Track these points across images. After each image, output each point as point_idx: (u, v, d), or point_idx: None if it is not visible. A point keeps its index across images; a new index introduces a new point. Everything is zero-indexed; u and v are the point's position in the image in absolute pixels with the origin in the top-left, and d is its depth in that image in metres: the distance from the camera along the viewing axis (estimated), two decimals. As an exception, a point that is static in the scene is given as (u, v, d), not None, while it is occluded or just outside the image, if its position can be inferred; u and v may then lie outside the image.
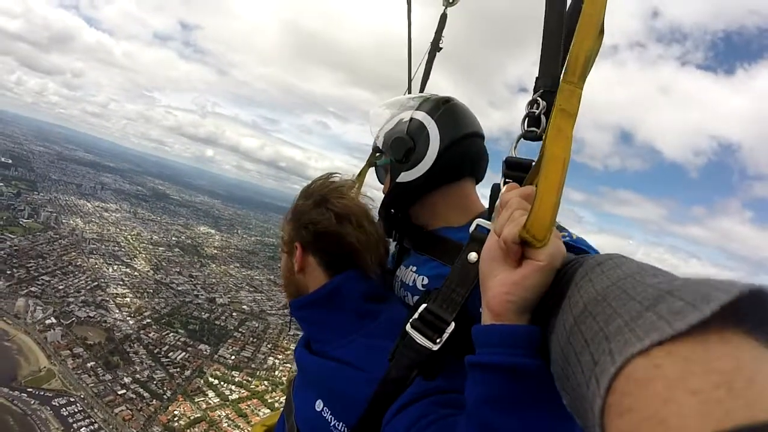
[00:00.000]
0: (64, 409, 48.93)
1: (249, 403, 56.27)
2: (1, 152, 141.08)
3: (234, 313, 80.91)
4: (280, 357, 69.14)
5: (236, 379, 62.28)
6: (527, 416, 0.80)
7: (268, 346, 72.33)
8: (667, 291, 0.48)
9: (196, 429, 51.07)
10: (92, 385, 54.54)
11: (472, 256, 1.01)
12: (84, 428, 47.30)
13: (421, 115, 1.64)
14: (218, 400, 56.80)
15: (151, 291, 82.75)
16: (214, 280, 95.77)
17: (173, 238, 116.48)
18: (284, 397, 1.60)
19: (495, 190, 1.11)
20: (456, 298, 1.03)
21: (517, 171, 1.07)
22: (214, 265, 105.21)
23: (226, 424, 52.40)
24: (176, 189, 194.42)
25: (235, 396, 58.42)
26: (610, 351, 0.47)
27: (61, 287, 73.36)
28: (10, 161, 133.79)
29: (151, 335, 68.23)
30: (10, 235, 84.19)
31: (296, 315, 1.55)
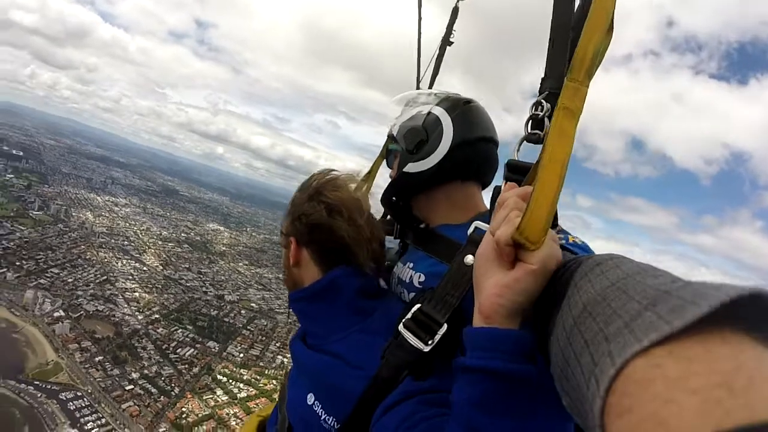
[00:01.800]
0: (71, 403, 48.41)
1: (257, 401, 55.31)
2: (13, 145, 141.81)
3: (243, 311, 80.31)
4: (288, 356, 65.68)
5: (245, 377, 61.68)
6: (514, 419, 0.80)
7: (277, 344, 71.47)
8: (666, 291, 0.48)
9: (204, 426, 50.44)
10: (100, 379, 54.08)
11: (469, 258, 1.00)
12: (91, 423, 46.72)
13: (439, 111, 1.67)
14: (227, 397, 56.19)
15: (160, 286, 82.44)
16: (222, 277, 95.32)
17: (182, 234, 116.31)
18: None
19: (496, 192, 1.11)
20: (450, 300, 1.03)
21: (519, 174, 1.06)
22: (222, 262, 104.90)
23: (234, 423, 51.57)
24: (186, 185, 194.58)
25: (243, 394, 57.78)
26: (610, 352, 0.47)
27: (70, 280, 73.18)
28: (21, 153, 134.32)
29: (159, 331, 67.85)
30: (20, 226, 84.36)
31: (293, 307, 1.58)
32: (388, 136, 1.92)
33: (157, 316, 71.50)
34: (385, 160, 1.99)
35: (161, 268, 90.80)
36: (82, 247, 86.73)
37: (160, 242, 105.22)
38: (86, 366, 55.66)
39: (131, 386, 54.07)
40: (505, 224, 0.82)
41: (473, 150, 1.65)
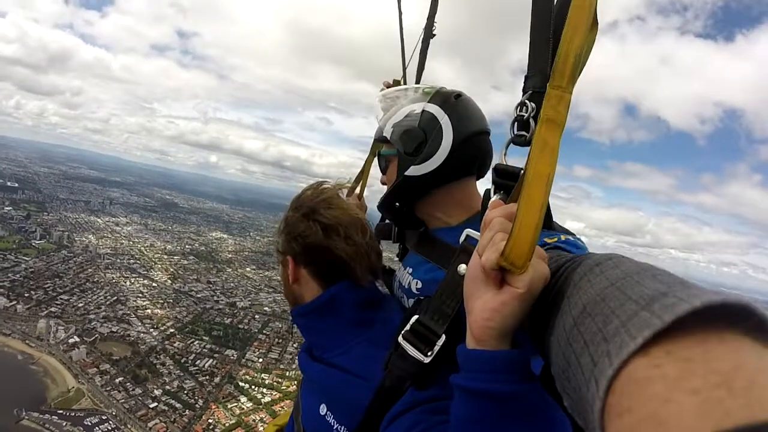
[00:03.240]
0: (97, 428, 48.01)
1: (282, 404, 54.71)
2: (7, 177, 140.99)
3: (256, 316, 79.80)
4: (307, 355, 66.32)
5: (266, 382, 61.30)
6: None
7: (294, 345, 69.80)
8: (663, 292, 0.48)
9: (233, 436, 50.00)
10: (123, 400, 53.56)
11: (462, 268, 1.01)
12: (119, 445, 46.29)
13: (434, 109, 1.63)
14: (251, 404, 55.81)
15: (171, 301, 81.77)
16: (232, 284, 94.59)
17: (187, 246, 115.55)
18: None
19: (486, 197, 1.12)
20: (446, 310, 1.04)
21: (506, 179, 1.06)
22: (230, 270, 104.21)
23: (262, 428, 51.13)
24: (184, 197, 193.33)
25: (267, 399, 57.36)
26: (608, 352, 0.47)
27: (80, 305, 72.41)
28: (16, 185, 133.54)
29: (176, 345, 67.28)
30: (24, 257, 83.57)
31: (296, 322, 1.61)
32: (377, 138, 1.84)
33: (171, 330, 70.93)
34: (377, 163, 1.86)
35: (170, 282, 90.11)
36: (89, 270, 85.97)
37: (165, 257, 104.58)
38: (108, 389, 55.12)
39: (155, 404, 53.62)
40: (490, 248, 0.82)
41: (473, 145, 1.63)
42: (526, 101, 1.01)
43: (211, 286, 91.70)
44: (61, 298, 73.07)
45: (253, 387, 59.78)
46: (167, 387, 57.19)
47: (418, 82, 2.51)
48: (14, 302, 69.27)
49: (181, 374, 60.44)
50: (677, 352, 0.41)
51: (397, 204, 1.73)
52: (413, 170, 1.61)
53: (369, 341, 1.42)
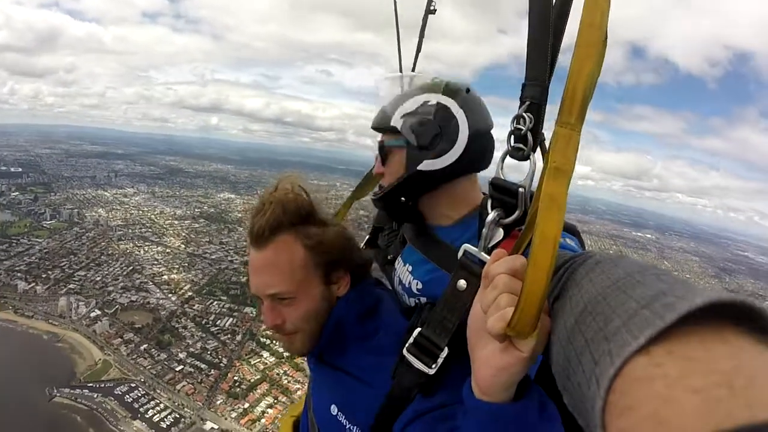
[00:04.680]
0: (127, 396, 48.65)
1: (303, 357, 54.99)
2: (10, 163, 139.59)
3: (271, 270, 79.27)
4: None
5: (287, 335, 61.13)
6: None
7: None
8: (663, 291, 0.48)
9: (259, 390, 50.50)
10: (149, 366, 54.25)
11: (461, 283, 1.04)
12: (151, 411, 46.99)
13: (449, 102, 1.58)
14: (274, 358, 55.86)
15: (186, 264, 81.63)
16: (244, 243, 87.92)
17: (196, 210, 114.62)
18: None
19: (483, 206, 1.12)
20: (448, 324, 1.08)
21: (504, 195, 1.05)
22: (241, 229, 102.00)
23: (286, 381, 51.77)
24: (188, 162, 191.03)
25: (289, 351, 57.44)
26: (609, 351, 0.47)
27: (98, 278, 72.73)
28: (20, 170, 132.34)
29: (195, 307, 67.44)
30: (37, 239, 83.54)
31: None
32: (379, 127, 1.71)
33: (190, 293, 71.05)
34: (379, 152, 1.72)
35: (183, 246, 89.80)
36: (103, 243, 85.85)
37: (176, 222, 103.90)
38: (134, 357, 55.83)
39: (181, 366, 54.19)
40: (495, 314, 0.80)
41: (484, 142, 1.61)
42: (524, 114, 0.99)
43: (224, 246, 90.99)
44: (78, 275, 73.33)
45: (274, 342, 58.76)
46: (191, 349, 57.59)
47: (416, 58, 2.46)
48: (33, 284, 69.70)
49: (203, 335, 60.72)
50: (678, 352, 0.41)
51: (403, 198, 1.66)
52: (427, 164, 1.56)
53: (373, 350, 1.43)
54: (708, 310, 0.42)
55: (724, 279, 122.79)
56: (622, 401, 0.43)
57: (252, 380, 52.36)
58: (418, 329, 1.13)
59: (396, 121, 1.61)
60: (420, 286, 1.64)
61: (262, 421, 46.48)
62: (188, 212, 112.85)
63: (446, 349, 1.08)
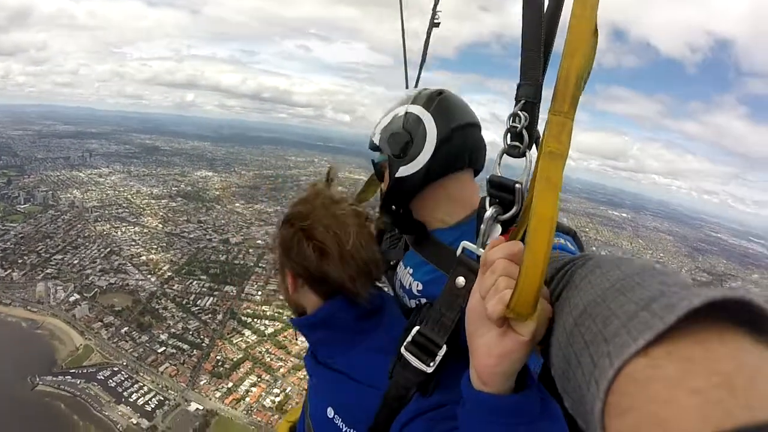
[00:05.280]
0: (110, 380, 48.61)
1: (285, 334, 55.44)
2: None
3: (250, 250, 79.09)
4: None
5: (268, 314, 61.48)
6: None
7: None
8: (662, 292, 0.48)
9: (242, 369, 50.92)
10: (131, 350, 54.09)
11: (460, 280, 1.05)
12: (135, 394, 47.11)
13: (417, 109, 1.66)
14: (255, 337, 56.30)
15: (165, 244, 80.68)
16: (223, 221, 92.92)
17: (173, 189, 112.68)
18: None
19: (482, 206, 1.12)
20: (446, 322, 1.09)
21: (501, 191, 1.06)
22: (219, 207, 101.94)
23: (269, 359, 52.26)
24: (164, 140, 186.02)
25: (270, 330, 57.86)
26: (609, 353, 0.48)
27: (75, 262, 71.52)
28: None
29: (175, 288, 67.10)
30: (11, 224, 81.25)
31: (299, 330, 1.64)
32: (370, 148, 1.84)
33: (169, 274, 70.51)
34: (374, 172, 1.88)
35: (161, 226, 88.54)
36: (79, 226, 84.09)
37: (153, 201, 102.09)
38: (115, 341, 55.55)
39: (163, 348, 54.16)
40: (494, 297, 0.81)
41: (459, 139, 1.64)
42: (519, 112, 1.01)
43: (202, 225, 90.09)
44: (55, 259, 71.98)
45: (255, 320, 60.07)
46: (172, 330, 57.51)
47: (420, 70, 2.63)
48: (9, 270, 68.30)
49: (184, 316, 60.61)
50: (678, 352, 0.41)
51: (394, 207, 1.74)
52: (402, 171, 1.64)
53: (370, 348, 1.43)
54: (707, 309, 0.42)
55: (697, 258, 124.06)
56: (622, 402, 0.43)
57: (235, 359, 52.70)
58: (416, 327, 1.13)
59: (376, 138, 1.74)
60: (420, 287, 1.67)
61: (247, 399, 47.02)
62: (165, 191, 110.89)
63: (445, 347, 1.08)
